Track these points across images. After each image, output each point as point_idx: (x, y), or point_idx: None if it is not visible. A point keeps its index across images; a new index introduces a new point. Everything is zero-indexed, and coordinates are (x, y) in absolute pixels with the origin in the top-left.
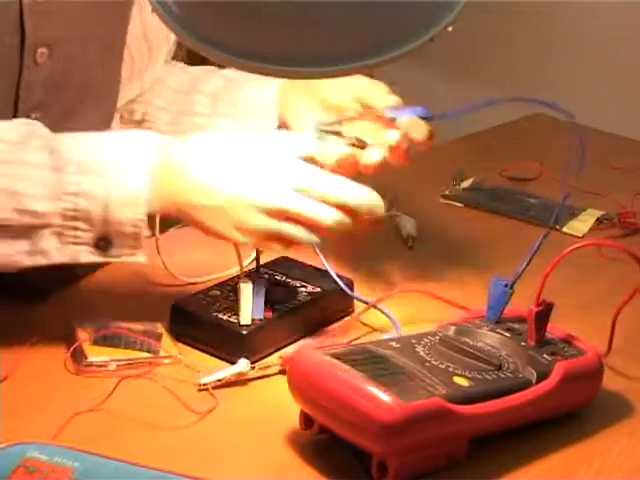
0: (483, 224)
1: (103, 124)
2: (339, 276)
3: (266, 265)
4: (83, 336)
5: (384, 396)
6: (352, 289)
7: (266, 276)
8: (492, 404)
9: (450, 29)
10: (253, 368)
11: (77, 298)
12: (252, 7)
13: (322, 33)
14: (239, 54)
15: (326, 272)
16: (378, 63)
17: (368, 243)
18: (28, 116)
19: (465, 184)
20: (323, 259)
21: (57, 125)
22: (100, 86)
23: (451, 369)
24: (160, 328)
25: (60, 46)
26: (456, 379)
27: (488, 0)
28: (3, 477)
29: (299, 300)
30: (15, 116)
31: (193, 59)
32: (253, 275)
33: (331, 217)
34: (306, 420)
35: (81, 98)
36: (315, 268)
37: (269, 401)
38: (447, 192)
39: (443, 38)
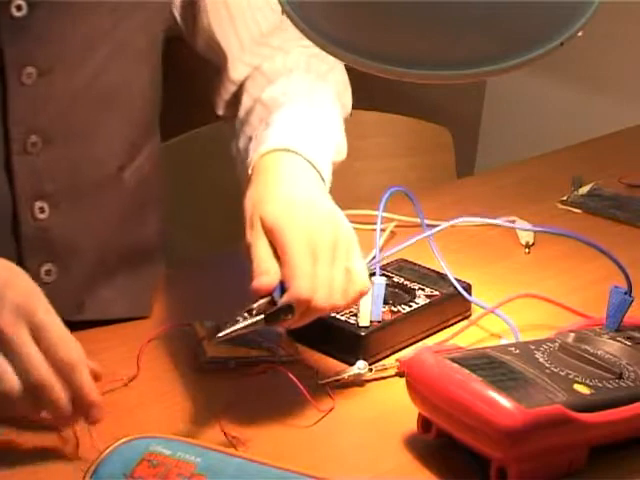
0: (602, 231)
1: (132, 137)
2: (457, 280)
3: (385, 267)
4: (202, 333)
5: (505, 402)
6: (470, 293)
7: (385, 278)
8: (613, 413)
9: (580, 34)
10: (371, 370)
11: (196, 295)
12: (382, 9)
13: (450, 36)
14: (370, 57)
15: (444, 275)
16: (506, 68)
17: (486, 249)
18: (25, 141)
19: (584, 190)
20: (442, 262)
21: (70, 145)
22: (119, 94)
23: (571, 376)
24: (279, 327)
25: (51, 63)
26: (576, 387)
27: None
28: (127, 470)
29: (417, 303)
30: (7, 142)
31: None
32: (372, 277)
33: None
34: (424, 423)
35: (91, 113)
36: (433, 271)
37: (386, 403)
38: (565, 198)
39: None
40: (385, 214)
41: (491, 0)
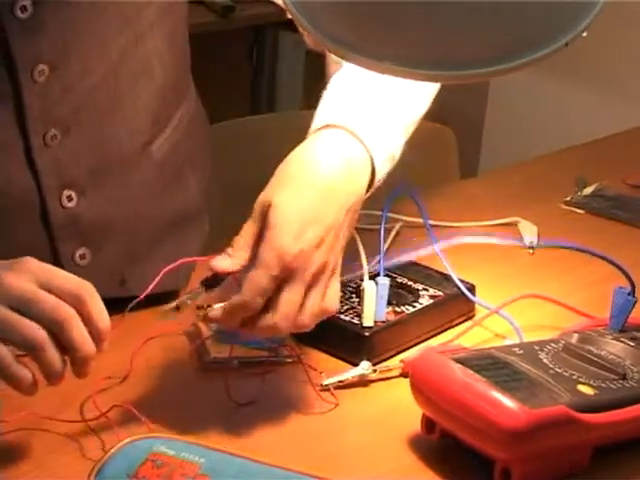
0: (605, 231)
1: (156, 111)
2: (461, 280)
3: (389, 267)
4: (206, 333)
5: (509, 402)
6: (474, 294)
7: (389, 278)
8: (617, 413)
9: (585, 34)
10: (375, 370)
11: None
12: (385, 10)
13: (454, 36)
14: (373, 57)
15: (448, 276)
16: (510, 69)
17: (490, 249)
18: (44, 135)
19: (587, 191)
20: (446, 263)
21: (89, 133)
22: (136, 78)
23: (575, 377)
24: None
25: (63, 59)
26: (580, 387)
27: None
28: (131, 470)
29: (421, 303)
30: (27, 138)
31: None
32: (376, 277)
33: None
34: (428, 424)
35: (109, 100)
36: (437, 272)
37: (390, 404)
38: (569, 198)
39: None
40: (388, 214)
41: (495, 0)
